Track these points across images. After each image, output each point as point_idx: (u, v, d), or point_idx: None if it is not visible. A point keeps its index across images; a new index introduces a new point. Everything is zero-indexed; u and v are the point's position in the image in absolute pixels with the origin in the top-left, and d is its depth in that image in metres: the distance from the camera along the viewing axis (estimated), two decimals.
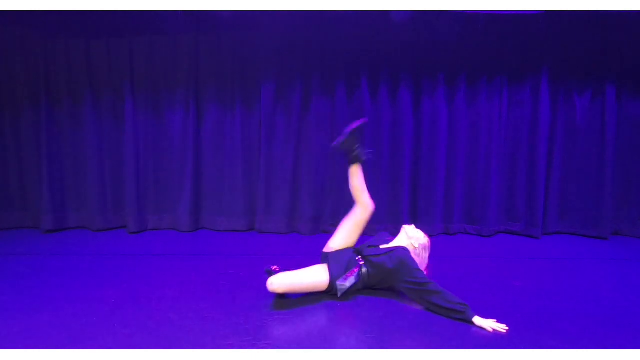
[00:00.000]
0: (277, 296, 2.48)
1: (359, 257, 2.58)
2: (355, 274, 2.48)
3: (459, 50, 3.85)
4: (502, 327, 2.16)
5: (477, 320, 2.20)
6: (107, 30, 3.75)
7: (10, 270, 2.91)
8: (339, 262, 2.52)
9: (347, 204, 4.03)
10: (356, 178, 2.74)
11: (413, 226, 2.73)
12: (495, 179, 3.98)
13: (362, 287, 2.54)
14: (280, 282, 2.34)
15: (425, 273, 2.50)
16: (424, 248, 2.63)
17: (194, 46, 3.84)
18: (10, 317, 2.20)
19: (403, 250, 2.54)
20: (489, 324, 2.17)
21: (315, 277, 2.45)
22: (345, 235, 2.71)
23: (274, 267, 2.47)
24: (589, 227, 4.00)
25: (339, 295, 2.44)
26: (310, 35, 3.80)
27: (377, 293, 2.58)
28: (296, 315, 2.28)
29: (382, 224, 3.99)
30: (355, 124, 2.68)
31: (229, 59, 3.87)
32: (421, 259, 2.62)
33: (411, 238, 2.62)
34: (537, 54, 3.86)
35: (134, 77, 3.83)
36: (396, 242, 2.64)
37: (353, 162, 2.73)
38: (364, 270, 2.50)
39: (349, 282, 2.45)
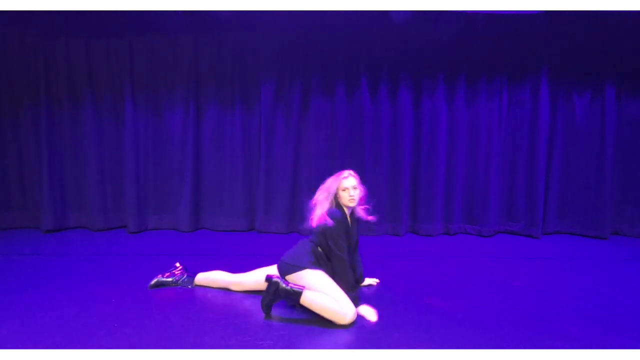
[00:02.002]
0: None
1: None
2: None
3: (459, 50, 3.85)
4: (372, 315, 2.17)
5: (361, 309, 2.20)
6: (107, 31, 3.75)
7: (10, 270, 2.90)
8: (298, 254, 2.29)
9: None
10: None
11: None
12: (495, 179, 3.98)
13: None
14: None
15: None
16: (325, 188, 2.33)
17: (194, 46, 3.83)
18: (10, 318, 2.20)
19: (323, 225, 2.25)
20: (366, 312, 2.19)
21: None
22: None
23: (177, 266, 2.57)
24: (588, 227, 3.99)
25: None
26: (310, 35, 3.80)
27: (381, 294, 2.58)
28: (297, 315, 2.27)
29: (382, 225, 3.98)
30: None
31: (229, 59, 3.87)
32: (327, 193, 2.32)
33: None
34: (537, 54, 3.85)
35: (134, 77, 3.82)
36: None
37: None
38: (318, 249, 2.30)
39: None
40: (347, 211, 2.33)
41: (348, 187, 2.27)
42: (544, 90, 3.86)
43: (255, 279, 2.47)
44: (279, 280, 2.18)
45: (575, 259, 3.38)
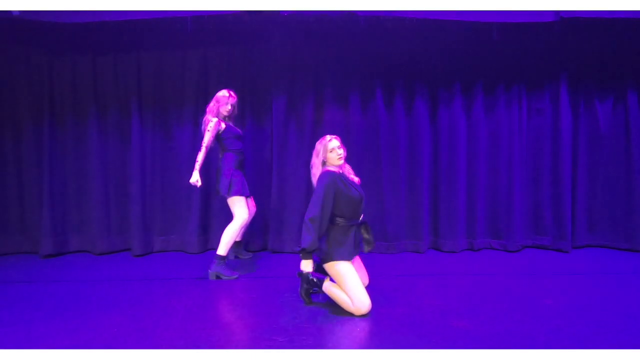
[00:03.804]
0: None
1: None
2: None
3: (475, 59, 3.77)
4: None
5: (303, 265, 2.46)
6: (114, 47, 3.67)
7: (6, 299, 2.68)
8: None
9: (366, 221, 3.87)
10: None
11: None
12: (519, 190, 3.81)
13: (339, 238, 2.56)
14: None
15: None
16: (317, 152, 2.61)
17: (203, 62, 3.75)
18: (7, 350, 1.99)
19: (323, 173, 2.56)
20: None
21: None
22: None
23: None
24: (620, 240, 3.81)
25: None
26: (321, 46, 3.72)
27: (403, 315, 2.37)
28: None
29: (402, 241, 3.79)
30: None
31: (238, 74, 3.78)
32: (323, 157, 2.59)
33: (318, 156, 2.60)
34: (555, 62, 3.78)
35: (141, 93, 3.72)
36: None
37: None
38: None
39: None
40: (336, 170, 2.58)
41: (334, 147, 2.56)
42: (563, 98, 3.76)
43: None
44: (306, 272, 2.54)
45: (609, 274, 3.19)
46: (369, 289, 2.58)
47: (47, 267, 3.41)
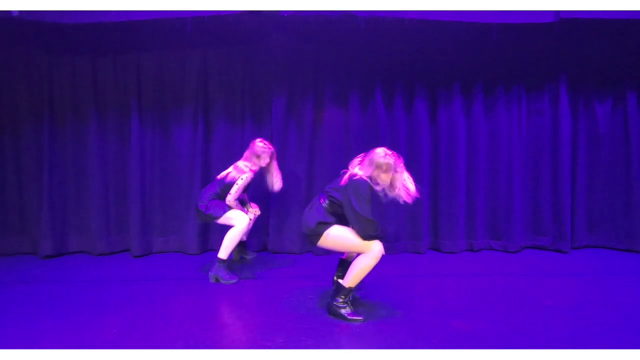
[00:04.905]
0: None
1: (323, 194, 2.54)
2: (319, 209, 2.45)
3: (474, 60, 3.77)
4: None
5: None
6: (114, 47, 3.67)
7: (6, 299, 2.68)
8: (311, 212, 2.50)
9: None
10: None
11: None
12: (519, 191, 3.82)
13: (335, 219, 2.44)
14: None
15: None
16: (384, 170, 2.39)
17: (203, 61, 3.75)
18: (7, 350, 1.99)
19: (360, 180, 2.37)
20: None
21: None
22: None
23: None
24: (620, 240, 3.81)
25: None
26: (320, 46, 3.72)
27: (404, 316, 2.36)
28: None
29: (402, 242, 3.79)
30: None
31: (238, 74, 3.78)
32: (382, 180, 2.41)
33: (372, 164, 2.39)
34: (554, 63, 3.78)
35: (141, 93, 3.71)
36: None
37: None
38: (325, 205, 2.47)
39: (318, 216, 2.43)
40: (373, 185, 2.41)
41: (397, 178, 2.37)
42: (563, 99, 3.77)
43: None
44: (333, 306, 2.40)
45: (609, 274, 3.21)
46: (369, 289, 2.58)
47: (46, 267, 3.41)
